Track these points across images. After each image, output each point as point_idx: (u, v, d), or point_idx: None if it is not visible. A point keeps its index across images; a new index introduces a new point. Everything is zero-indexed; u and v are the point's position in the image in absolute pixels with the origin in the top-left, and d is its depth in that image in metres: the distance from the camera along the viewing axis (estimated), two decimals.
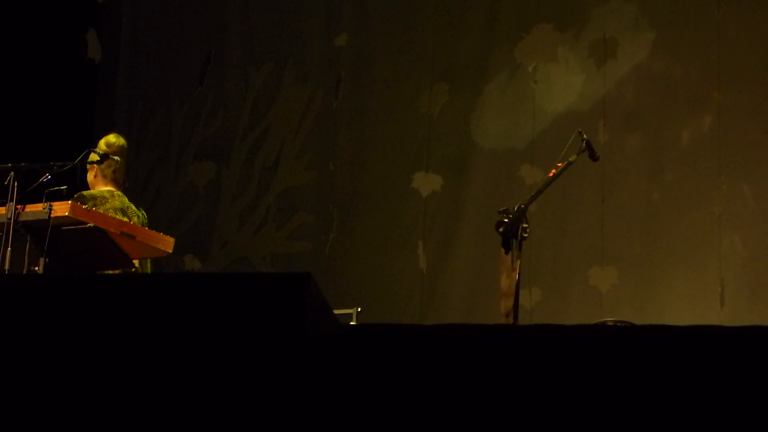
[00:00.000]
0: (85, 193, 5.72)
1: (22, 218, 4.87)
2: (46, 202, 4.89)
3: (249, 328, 2.93)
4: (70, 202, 4.89)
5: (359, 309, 6.67)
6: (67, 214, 4.84)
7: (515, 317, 4.74)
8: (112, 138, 5.93)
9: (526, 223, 4.83)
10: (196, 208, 8.49)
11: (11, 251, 4.87)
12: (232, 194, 8.62)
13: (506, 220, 4.78)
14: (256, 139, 8.61)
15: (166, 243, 5.25)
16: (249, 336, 2.93)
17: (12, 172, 5.05)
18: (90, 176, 5.86)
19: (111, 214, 5.48)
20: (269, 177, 8.50)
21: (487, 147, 7.82)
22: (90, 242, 4.90)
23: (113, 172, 5.83)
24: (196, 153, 8.70)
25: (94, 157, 5.51)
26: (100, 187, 5.81)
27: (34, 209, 4.89)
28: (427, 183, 7.96)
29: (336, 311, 4.58)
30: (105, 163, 5.71)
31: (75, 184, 5.31)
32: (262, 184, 8.53)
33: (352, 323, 6.18)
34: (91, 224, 4.89)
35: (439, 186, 7.93)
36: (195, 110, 8.78)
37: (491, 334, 3.06)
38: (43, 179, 5.19)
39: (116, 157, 5.66)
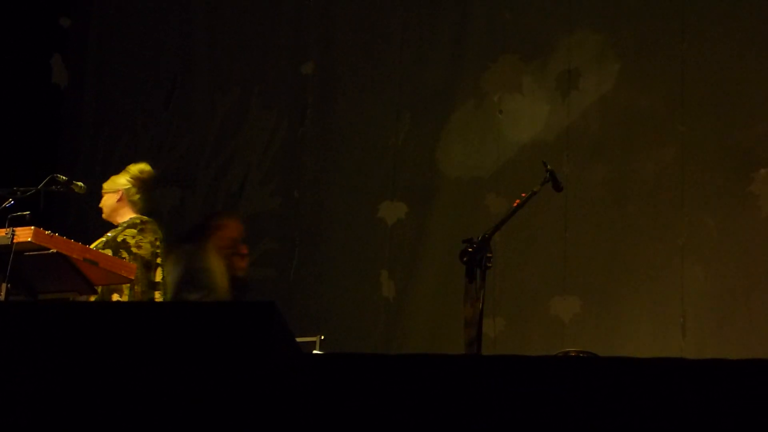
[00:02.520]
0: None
1: None
2: (8, 227, 4.86)
3: (212, 356, 2.92)
4: (32, 227, 4.86)
5: (322, 336, 6.67)
6: (29, 239, 4.81)
7: (479, 346, 4.74)
8: (146, 167, 5.98)
9: (490, 252, 4.84)
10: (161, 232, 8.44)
11: None
12: (196, 219, 8.58)
13: (470, 250, 4.79)
14: (222, 165, 8.58)
15: (129, 270, 5.24)
16: (212, 365, 2.91)
17: None
18: (112, 199, 5.85)
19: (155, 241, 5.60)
20: (234, 203, 8.48)
21: (453, 176, 7.84)
22: (53, 268, 4.88)
23: (140, 200, 5.87)
24: (161, 178, 8.66)
25: (77, 187, 5.49)
26: (126, 213, 5.83)
27: None
28: (392, 211, 7.97)
29: (299, 339, 4.57)
30: (134, 189, 5.77)
31: (38, 210, 5.28)
32: (227, 210, 8.49)
33: (315, 351, 6.16)
34: (54, 250, 4.87)
35: (404, 214, 7.94)
36: (160, 135, 8.76)
37: (454, 365, 3.06)
38: (6, 204, 5.17)
39: (80, 183, 5.63)
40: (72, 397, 2.90)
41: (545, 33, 7.76)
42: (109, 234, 5.79)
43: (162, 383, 2.90)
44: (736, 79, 7.22)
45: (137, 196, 5.88)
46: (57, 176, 5.47)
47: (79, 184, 5.57)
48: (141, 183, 5.94)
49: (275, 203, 8.35)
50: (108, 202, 5.90)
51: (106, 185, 5.91)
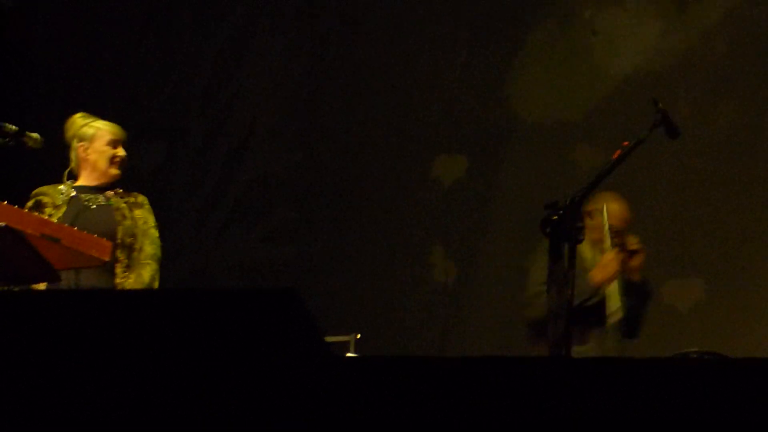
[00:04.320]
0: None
1: None
2: None
3: (213, 361, 2.95)
4: None
5: (358, 335, 6.71)
6: None
7: (567, 346, 4.76)
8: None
9: (582, 221, 4.84)
10: None
11: None
12: (188, 184, 8.64)
13: (555, 218, 4.79)
14: (220, 111, 8.63)
15: (102, 248, 5.24)
16: (214, 371, 2.94)
17: None
18: (94, 158, 5.94)
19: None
20: (237, 161, 8.52)
21: (530, 120, 7.86)
22: (1, 247, 4.91)
23: None
24: (141, 130, 8.72)
25: (30, 140, 5.55)
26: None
27: None
28: (449, 168, 7.99)
29: (328, 339, 4.60)
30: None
31: None
32: (228, 170, 8.54)
33: (349, 354, 6.22)
34: (2, 223, 4.90)
35: (465, 171, 7.97)
36: (138, 74, 8.80)
37: (535, 369, 3.06)
38: None
39: (34, 134, 5.67)
40: (72, 392, 2.98)
41: None
42: (122, 203, 5.87)
43: (161, 379, 2.95)
44: None
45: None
46: (4, 126, 5.50)
47: (34, 135, 5.58)
48: None
49: (292, 160, 8.39)
50: (88, 156, 6.04)
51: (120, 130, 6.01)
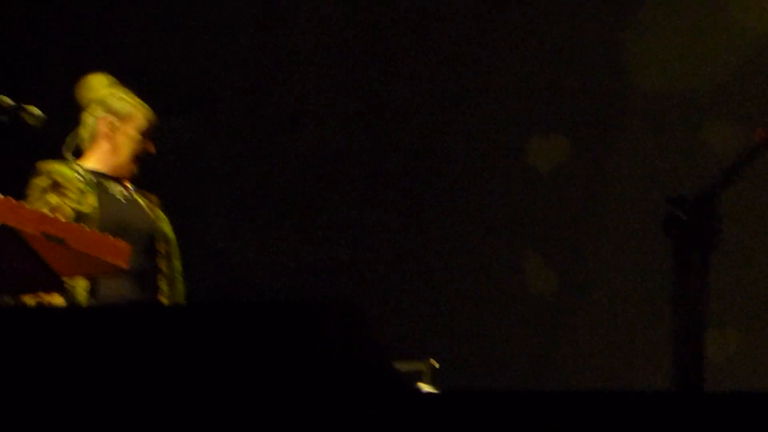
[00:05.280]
0: None
1: None
2: None
3: (248, 390, 2.95)
4: None
5: (434, 362, 6.71)
6: None
7: (699, 375, 4.73)
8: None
9: (718, 220, 4.81)
10: (163, 192, 8.52)
11: None
12: (223, 170, 8.65)
13: (683, 216, 4.77)
14: (261, 81, 8.64)
15: (118, 252, 5.25)
16: (250, 402, 2.95)
17: None
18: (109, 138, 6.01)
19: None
20: (283, 143, 8.54)
21: (650, 91, 7.82)
22: None
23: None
24: (161, 105, 8.74)
25: (30, 117, 5.57)
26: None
27: None
28: (548, 152, 7.97)
29: (397, 364, 4.59)
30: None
31: None
32: (272, 154, 8.56)
33: (422, 385, 6.22)
34: None
35: (568, 156, 7.94)
36: (157, 35, 8.82)
37: (658, 405, 3.05)
38: None
39: (34, 109, 5.69)
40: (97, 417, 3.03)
41: None
42: (143, 200, 5.96)
43: (189, 407, 2.97)
44: None
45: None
46: (1, 99, 5.54)
47: (35, 111, 5.62)
48: None
49: (351, 142, 8.40)
50: (99, 138, 6.13)
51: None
